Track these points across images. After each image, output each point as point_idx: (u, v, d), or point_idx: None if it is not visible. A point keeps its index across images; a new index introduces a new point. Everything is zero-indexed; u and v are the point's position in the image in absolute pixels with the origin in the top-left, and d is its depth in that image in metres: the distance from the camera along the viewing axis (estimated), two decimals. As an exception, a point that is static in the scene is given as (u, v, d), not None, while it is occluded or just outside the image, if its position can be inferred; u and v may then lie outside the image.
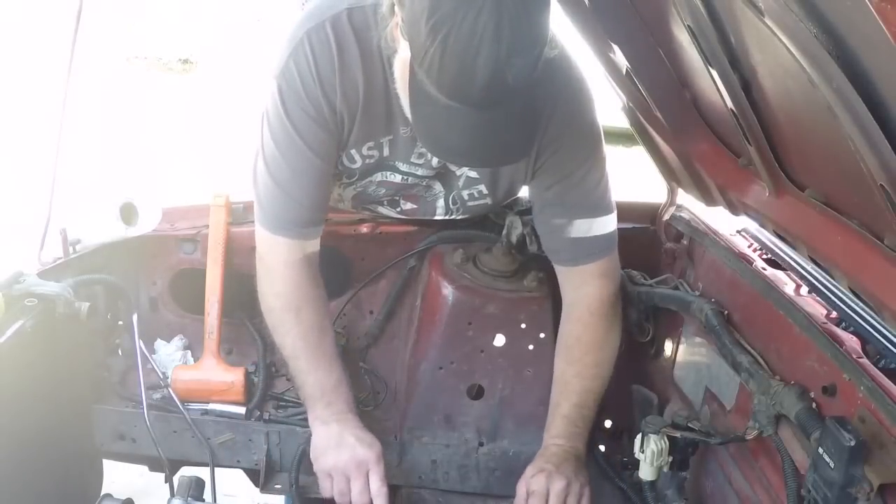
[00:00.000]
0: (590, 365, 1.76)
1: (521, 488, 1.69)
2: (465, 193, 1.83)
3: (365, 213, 1.98)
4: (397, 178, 1.77)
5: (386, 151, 1.72)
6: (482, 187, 1.81)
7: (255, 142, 1.67)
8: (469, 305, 1.84)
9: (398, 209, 1.89)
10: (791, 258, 1.66)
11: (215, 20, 10.50)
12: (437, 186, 1.83)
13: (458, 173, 1.80)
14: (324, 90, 1.57)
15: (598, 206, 1.73)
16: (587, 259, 1.74)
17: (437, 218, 1.90)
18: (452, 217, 1.90)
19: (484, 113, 1.28)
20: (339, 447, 1.70)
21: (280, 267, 1.71)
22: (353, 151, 1.71)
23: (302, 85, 1.56)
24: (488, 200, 1.84)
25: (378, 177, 1.77)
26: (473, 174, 1.78)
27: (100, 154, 5.81)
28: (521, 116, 1.34)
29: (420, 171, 1.76)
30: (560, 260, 1.78)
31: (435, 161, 1.72)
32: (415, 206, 1.88)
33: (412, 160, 1.73)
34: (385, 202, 1.88)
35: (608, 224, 1.74)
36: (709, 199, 1.84)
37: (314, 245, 1.73)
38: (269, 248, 1.71)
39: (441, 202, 1.85)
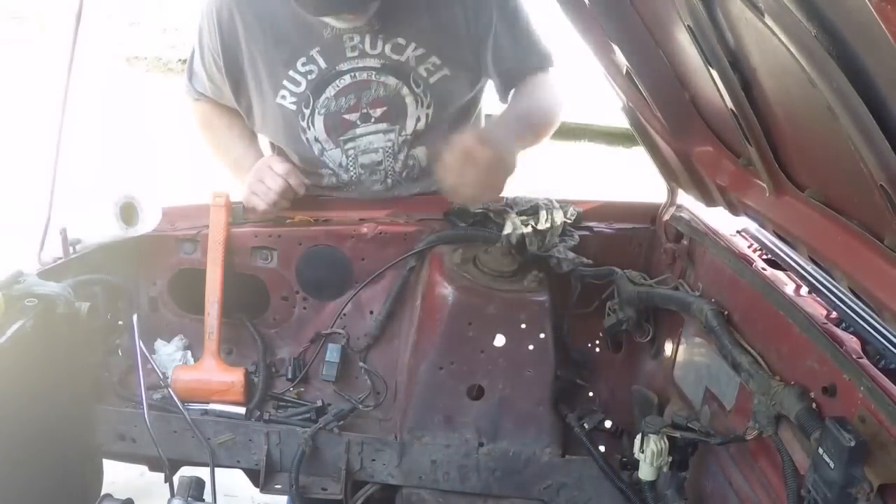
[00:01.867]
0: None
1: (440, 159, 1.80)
2: (422, 70, 1.91)
3: (366, 214, 1.99)
4: (347, 79, 1.90)
5: (322, 63, 1.89)
6: (434, 58, 1.91)
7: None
8: (469, 305, 1.84)
9: (372, 120, 1.95)
10: (791, 258, 1.66)
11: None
12: (391, 80, 1.91)
13: (402, 59, 1.89)
14: (222, 36, 1.91)
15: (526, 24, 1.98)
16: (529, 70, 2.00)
17: (411, 116, 1.95)
18: (428, 110, 1.96)
19: None
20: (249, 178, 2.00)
21: (191, 107, 2.19)
22: (291, 73, 1.91)
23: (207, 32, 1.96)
24: (447, 71, 1.93)
25: (330, 90, 1.91)
26: (420, 51, 1.90)
27: (100, 154, 5.81)
28: None
29: (362, 63, 1.90)
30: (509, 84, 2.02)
31: (368, 45, 1.88)
32: (385, 109, 1.94)
33: (348, 55, 1.89)
34: (357, 121, 1.95)
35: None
36: (709, 200, 1.84)
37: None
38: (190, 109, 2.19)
39: (406, 91, 1.92)
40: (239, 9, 1.90)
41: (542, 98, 2.04)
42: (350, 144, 1.97)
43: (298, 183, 1.95)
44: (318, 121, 1.94)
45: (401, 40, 1.88)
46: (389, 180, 2.04)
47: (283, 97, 1.93)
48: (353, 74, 1.91)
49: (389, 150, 1.98)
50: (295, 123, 1.95)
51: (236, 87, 1.99)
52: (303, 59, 1.89)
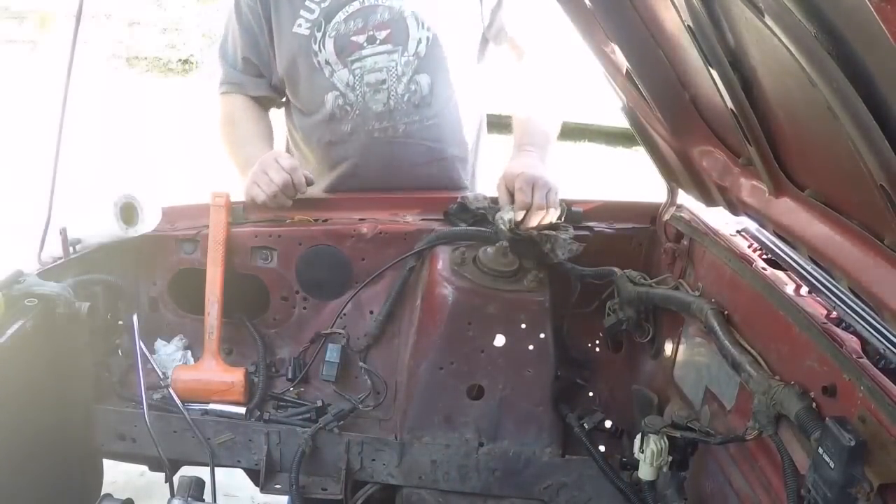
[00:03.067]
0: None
1: (501, 187, 1.91)
2: None
3: (366, 214, 1.99)
4: (356, 4, 2.08)
5: None
6: None
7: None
8: (469, 305, 1.84)
9: (377, 42, 2.10)
10: (791, 258, 1.66)
11: (216, 20, 10.50)
12: (395, 2, 2.08)
13: None
14: None
15: None
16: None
17: (413, 38, 2.10)
18: (428, 32, 2.10)
19: None
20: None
21: (218, 101, 2.29)
22: (307, 2, 2.09)
23: None
24: None
25: (341, 15, 2.09)
26: None
27: (100, 154, 5.82)
28: None
29: None
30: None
31: None
32: (389, 31, 2.10)
33: None
34: (364, 43, 2.10)
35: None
36: (709, 199, 1.84)
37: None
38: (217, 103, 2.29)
39: (408, 13, 2.09)
40: None
41: (548, 99, 2.22)
42: (357, 64, 2.11)
43: (301, 181, 1.97)
44: (329, 43, 2.09)
45: None
46: (392, 101, 2.14)
47: (300, 25, 2.09)
48: (361, 0, 2.08)
49: (393, 71, 2.11)
50: (308, 48, 2.10)
51: (269, 31, 2.14)
52: None
